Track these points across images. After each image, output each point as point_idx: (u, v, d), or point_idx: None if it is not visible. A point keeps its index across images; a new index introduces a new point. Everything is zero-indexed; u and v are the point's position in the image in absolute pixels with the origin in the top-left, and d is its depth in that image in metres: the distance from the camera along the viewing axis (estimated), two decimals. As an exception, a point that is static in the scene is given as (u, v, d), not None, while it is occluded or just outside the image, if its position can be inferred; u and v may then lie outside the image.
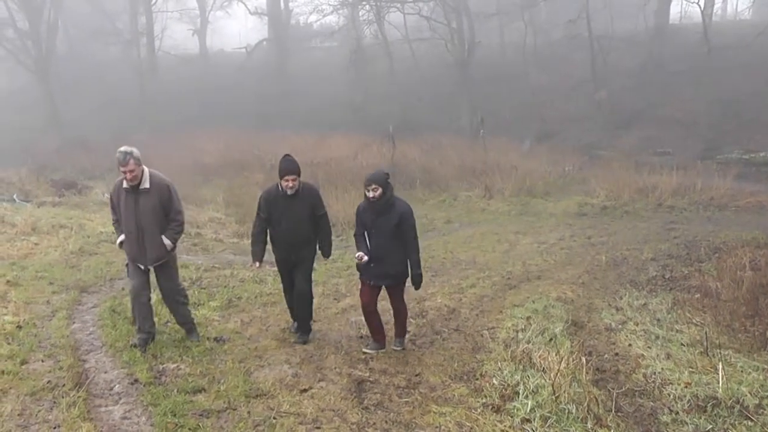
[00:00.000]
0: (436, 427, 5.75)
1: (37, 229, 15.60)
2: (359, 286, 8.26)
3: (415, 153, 25.64)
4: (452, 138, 29.15)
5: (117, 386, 6.69)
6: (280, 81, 42.96)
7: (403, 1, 39.82)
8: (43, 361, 7.39)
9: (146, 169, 7.83)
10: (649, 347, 7.80)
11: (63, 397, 6.30)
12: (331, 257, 9.73)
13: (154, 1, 47.90)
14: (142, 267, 7.99)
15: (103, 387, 6.67)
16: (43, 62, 43.47)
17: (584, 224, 17.07)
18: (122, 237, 8.01)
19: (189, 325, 8.44)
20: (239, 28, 54.20)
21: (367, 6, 41.57)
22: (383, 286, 7.96)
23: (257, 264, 8.59)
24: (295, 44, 48.32)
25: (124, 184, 7.77)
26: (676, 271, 11.51)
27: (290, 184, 8.15)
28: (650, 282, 10.89)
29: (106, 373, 7.04)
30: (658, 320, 8.85)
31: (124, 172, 7.62)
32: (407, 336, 8.20)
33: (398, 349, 7.96)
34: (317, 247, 8.60)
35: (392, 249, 7.73)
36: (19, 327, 8.48)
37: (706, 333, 7.91)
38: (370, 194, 7.66)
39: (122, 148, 7.65)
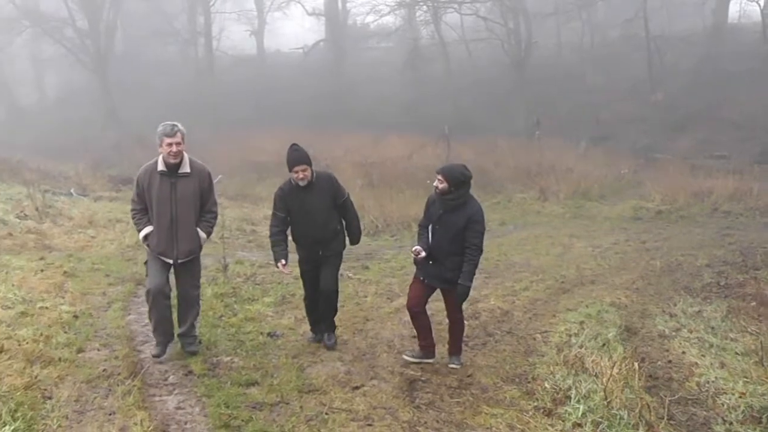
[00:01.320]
0: (487, 428, 5.82)
1: (94, 223, 16.07)
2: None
3: (470, 154, 25.60)
4: (507, 139, 29.05)
5: (171, 377, 6.89)
6: (336, 81, 43.20)
7: (461, 1, 39.73)
8: (98, 350, 7.64)
9: (185, 153, 7.27)
10: (703, 355, 7.72)
11: (118, 386, 6.50)
12: (385, 257, 9.81)
13: (212, 2, 48.44)
14: (171, 261, 7.31)
15: (157, 377, 6.86)
16: (102, 61, 44.47)
17: (639, 228, 16.94)
18: (149, 228, 7.32)
19: (192, 339, 7.64)
20: (296, 29, 54.49)
21: (424, 7, 41.60)
22: (438, 290, 7.43)
23: (282, 263, 7.84)
24: (351, 45, 48.53)
25: (159, 167, 7.16)
26: (732, 278, 11.36)
27: (301, 176, 7.63)
28: (705, 289, 10.77)
29: (161, 363, 7.24)
30: (713, 328, 8.75)
31: (169, 146, 7.04)
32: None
33: (456, 367, 7.26)
34: (345, 238, 8.18)
35: (452, 251, 7.10)
36: (76, 317, 8.76)
37: (761, 342, 7.82)
38: (435, 183, 7.13)
39: (167, 122, 7.20)
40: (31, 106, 51.42)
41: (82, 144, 35.10)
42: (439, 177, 7.12)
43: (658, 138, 28.10)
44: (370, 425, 5.84)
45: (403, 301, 9.73)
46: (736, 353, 7.80)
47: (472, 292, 7.49)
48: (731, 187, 19.77)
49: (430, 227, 7.31)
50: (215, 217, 7.68)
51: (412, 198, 18.09)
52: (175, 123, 7.16)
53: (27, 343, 7.39)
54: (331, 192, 7.93)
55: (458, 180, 7.07)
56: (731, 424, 6.05)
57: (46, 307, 8.92)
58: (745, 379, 6.91)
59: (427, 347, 7.49)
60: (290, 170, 7.71)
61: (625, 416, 5.81)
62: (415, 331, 7.69)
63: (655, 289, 10.78)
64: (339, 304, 9.21)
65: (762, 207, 18.59)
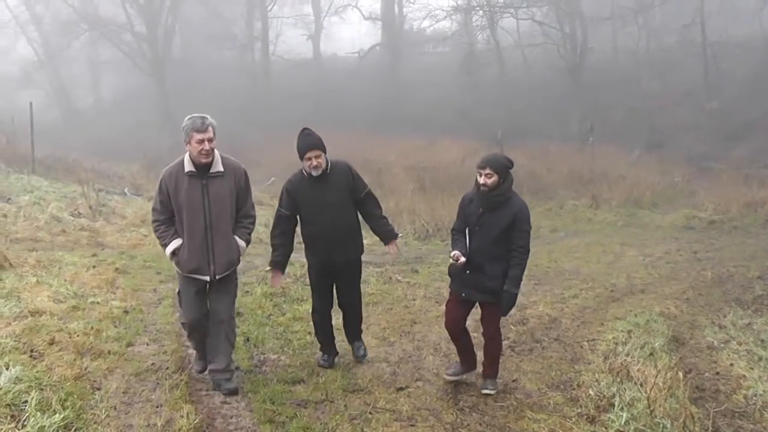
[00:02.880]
0: (531, 433, 5.89)
1: (146, 222, 16.29)
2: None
3: (522, 159, 25.48)
4: (561, 145, 28.94)
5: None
6: (391, 85, 43.35)
7: (517, 6, 39.65)
8: (147, 344, 7.84)
9: (216, 150, 6.36)
10: (751, 368, 7.66)
11: (166, 379, 6.68)
12: (435, 261, 9.78)
13: (270, 6, 48.96)
14: (207, 278, 6.35)
15: (204, 373, 6.96)
16: (159, 65, 45.17)
17: (691, 238, 16.77)
18: (177, 242, 6.32)
19: (229, 374, 6.62)
20: (352, 33, 54.81)
21: (480, 11, 41.56)
22: (476, 303, 6.78)
23: (278, 276, 7.21)
24: (407, 49, 48.64)
25: (187, 167, 6.21)
26: (784, 291, 11.24)
27: (314, 163, 6.77)
28: (756, 301, 10.65)
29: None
30: (762, 341, 8.66)
31: (200, 143, 6.10)
32: (505, 343, 8.21)
33: (491, 392, 6.62)
34: (363, 241, 7.36)
35: (496, 256, 6.41)
36: (126, 312, 8.98)
37: (813, 356, 7.78)
38: (482, 179, 6.35)
39: (195, 114, 6.25)
40: (87, 109, 52.38)
41: (137, 146, 35.66)
42: (487, 171, 6.37)
43: (713, 146, 27.73)
44: (413, 426, 5.95)
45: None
46: (787, 367, 7.73)
47: (519, 298, 7.36)
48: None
49: (467, 230, 6.58)
50: (253, 223, 6.74)
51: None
52: (205, 115, 6.20)
53: (78, 335, 7.57)
54: (349, 183, 7.05)
55: (506, 169, 6.44)
56: (778, 437, 6.03)
57: (98, 302, 9.14)
58: (795, 395, 6.87)
59: (469, 361, 6.95)
60: (301, 157, 6.86)
61: (669, 426, 5.82)
62: (455, 347, 7.09)
63: (705, 300, 10.69)
64: (387, 307, 9.36)
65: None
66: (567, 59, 36.57)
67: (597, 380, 6.86)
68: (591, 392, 6.58)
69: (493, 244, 6.44)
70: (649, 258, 14.27)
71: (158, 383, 6.62)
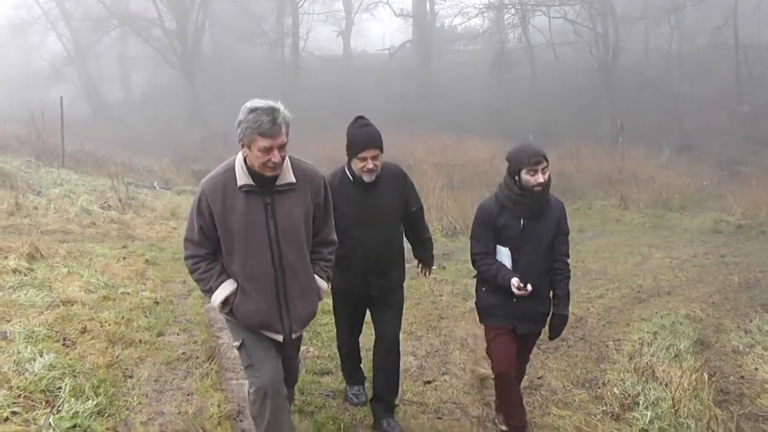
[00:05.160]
0: (555, 428, 5.99)
1: (176, 215, 16.64)
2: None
3: (552, 159, 25.18)
4: (591, 145, 28.88)
5: (247, 363, 7.13)
6: (421, 83, 43.41)
7: (549, 4, 39.62)
8: (178, 334, 7.98)
9: None
10: (777, 373, 7.74)
11: (196, 368, 6.84)
12: (462, 258, 9.60)
13: (300, 3, 49.24)
14: (280, 338, 4.61)
15: (234, 362, 7.10)
16: (189, 61, 45.63)
17: (718, 242, 16.71)
18: (229, 286, 4.50)
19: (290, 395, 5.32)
20: (383, 30, 54.99)
21: (512, 9, 41.58)
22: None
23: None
24: (438, 46, 48.70)
25: (241, 180, 4.38)
26: (809, 298, 11.22)
27: (370, 165, 5.32)
28: (783, 306, 10.67)
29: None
30: (789, 346, 8.74)
31: (268, 152, 4.25)
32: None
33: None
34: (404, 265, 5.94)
35: (544, 272, 5.32)
36: (157, 303, 9.14)
37: (837, 363, 7.81)
38: (539, 177, 5.03)
39: (261, 103, 4.28)
40: (116, 104, 52.87)
41: (166, 140, 36.04)
42: (544, 165, 5.07)
43: (743, 150, 27.58)
44: (439, 418, 6.06)
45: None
46: (811, 372, 7.77)
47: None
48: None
49: (507, 250, 5.23)
50: (334, 253, 4.91)
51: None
52: (275, 106, 4.26)
53: (109, 325, 7.68)
54: (403, 194, 5.68)
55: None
56: (800, 441, 6.09)
57: (128, 293, 9.27)
58: (818, 399, 6.91)
59: (521, 426, 5.61)
60: (354, 155, 5.38)
61: (693, 426, 5.90)
62: (499, 400, 5.81)
63: (731, 304, 10.68)
64: (415, 302, 9.35)
65: None
66: (598, 59, 36.49)
67: (622, 379, 6.93)
68: (616, 391, 6.67)
69: (543, 259, 5.28)
70: (676, 260, 14.26)
71: (189, 372, 6.76)
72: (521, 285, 5.00)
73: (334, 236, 4.86)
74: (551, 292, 5.43)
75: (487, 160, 26.14)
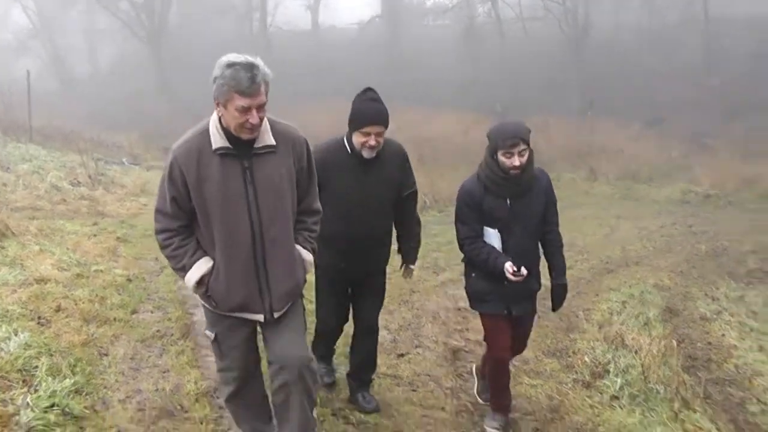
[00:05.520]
0: (528, 397, 6.04)
1: (146, 191, 16.47)
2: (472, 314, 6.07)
3: (524, 132, 25.60)
4: (560, 119, 28.97)
5: (224, 338, 7.12)
6: (391, 57, 43.28)
7: (519, -22, 39.64)
8: (152, 312, 7.88)
9: None
10: (742, 338, 7.86)
11: (171, 346, 6.77)
12: (432, 231, 9.61)
13: (268, -25, 48.75)
14: (260, 317, 4.19)
15: (208, 339, 7.10)
16: (156, 35, 45.04)
17: (686, 212, 16.91)
18: (205, 264, 4.09)
19: None
20: (352, 4, 54.57)
21: (482, -17, 41.51)
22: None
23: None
24: (407, 21, 48.50)
25: (216, 142, 3.93)
26: (776, 265, 11.42)
27: (373, 141, 4.98)
28: (749, 274, 10.83)
29: (213, 326, 7.48)
30: (754, 313, 8.87)
31: (244, 112, 3.80)
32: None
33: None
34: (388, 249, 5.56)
35: (536, 251, 5.15)
36: (129, 280, 9.00)
37: (802, 327, 7.97)
38: (515, 161, 4.75)
39: (239, 58, 3.82)
40: (84, 78, 52.14)
41: (134, 115, 35.69)
42: (522, 147, 4.77)
43: (712, 123, 27.80)
44: (414, 390, 6.09)
45: (448, 275, 9.91)
46: (776, 338, 7.93)
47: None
48: (783, 174, 19.73)
49: (496, 231, 4.97)
50: (318, 222, 4.47)
51: (464, 174, 18.16)
52: (254, 62, 3.82)
53: (83, 303, 7.59)
54: (402, 174, 5.34)
55: (530, 137, 4.87)
56: (765, 404, 6.23)
57: (101, 270, 9.15)
58: (784, 363, 7.06)
59: (509, 406, 5.51)
60: (358, 128, 5.01)
61: (662, 391, 6.01)
62: (491, 383, 5.53)
63: (698, 272, 10.83)
64: (386, 276, 9.37)
65: (813, 195, 18.55)
66: (568, 34, 36.55)
67: (592, 348, 7.02)
68: (586, 359, 6.74)
69: (532, 236, 5.07)
70: (644, 231, 14.41)
71: (164, 349, 6.70)
72: (515, 270, 4.74)
73: (319, 205, 4.43)
74: (549, 264, 5.25)
75: (457, 134, 26.20)
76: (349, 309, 5.66)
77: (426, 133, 26.39)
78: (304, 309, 4.44)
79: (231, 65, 3.77)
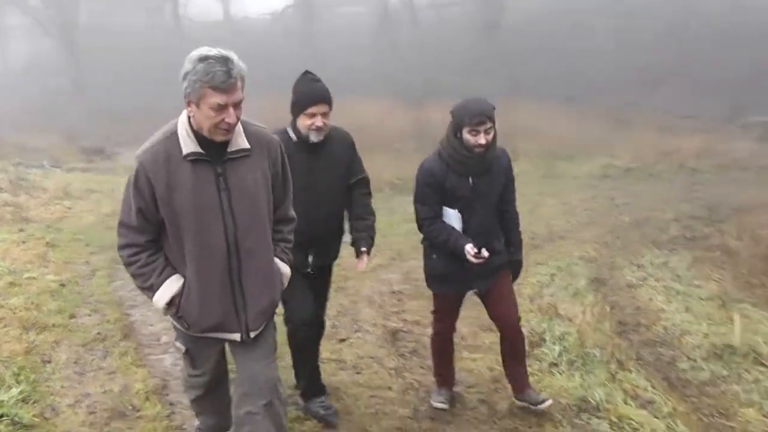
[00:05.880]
0: (469, 370, 6.16)
1: (69, 194, 16.11)
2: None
3: (442, 117, 25.77)
4: (479, 102, 29.28)
5: (164, 337, 7.09)
6: (306, 46, 43.10)
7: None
8: (89, 315, 7.81)
9: None
10: (669, 302, 8.12)
11: (114, 347, 6.76)
12: None
13: (177, -35, 48.00)
14: (237, 337, 3.88)
15: (150, 338, 7.09)
16: (68, 31, 43.88)
17: (608, 186, 17.27)
18: (174, 283, 3.78)
19: None
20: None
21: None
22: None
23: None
24: (320, 10, 48.31)
25: (186, 147, 3.62)
26: (697, 231, 11.74)
27: (319, 122, 4.80)
28: (671, 241, 11.15)
29: (151, 326, 7.45)
30: (679, 277, 9.16)
31: (220, 110, 3.49)
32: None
33: (543, 407, 5.24)
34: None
35: (497, 227, 5.12)
36: (63, 285, 8.90)
37: (724, 287, 8.26)
38: (481, 139, 4.68)
39: (212, 51, 3.55)
40: (-4, 78, 50.69)
41: (51, 116, 34.76)
42: (488, 125, 4.70)
43: (628, 100, 28.47)
44: (359, 373, 6.15)
45: (378, 260, 9.91)
46: (701, 298, 8.20)
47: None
48: (699, 145, 20.34)
49: (456, 211, 4.91)
50: (293, 232, 4.21)
51: (384, 162, 18.26)
52: (229, 55, 3.53)
53: (20, 311, 7.53)
54: (349, 160, 5.18)
55: (495, 115, 4.79)
56: (695, 361, 6.47)
57: (33, 277, 9.04)
58: (709, 321, 7.34)
59: (452, 381, 5.64)
60: (301, 111, 4.82)
61: (598, 355, 6.23)
62: (434, 363, 5.64)
63: (623, 243, 11.10)
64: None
65: (729, 163, 19.14)
66: (483, 18, 36.91)
67: (527, 320, 7.13)
68: (523, 330, 6.88)
69: (494, 214, 5.07)
70: (567, 206, 14.68)
71: (107, 351, 6.67)
72: (476, 252, 4.68)
73: (293, 212, 4.16)
74: (506, 240, 5.24)
75: (378, 122, 26.22)
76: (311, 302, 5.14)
77: (345, 122, 26.31)
78: (275, 328, 4.17)
79: (203, 59, 3.49)
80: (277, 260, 3.98)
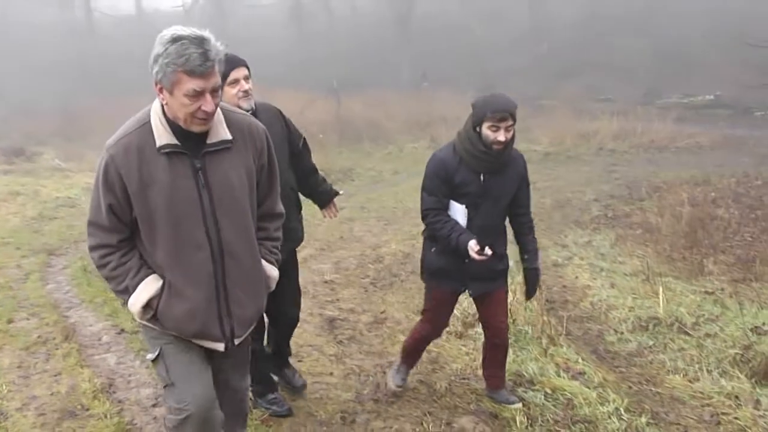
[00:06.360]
0: (405, 353, 6.26)
1: (-12, 195, 15.70)
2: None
3: (360, 108, 25.91)
4: (396, 92, 29.47)
5: (105, 337, 6.99)
6: (220, 39, 42.69)
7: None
8: (28, 319, 7.62)
9: None
10: (594, 278, 8.40)
11: (56, 349, 6.63)
12: None
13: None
14: (221, 345, 3.46)
15: (91, 338, 6.95)
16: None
17: (528, 170, 17.55)
18: (151, 284, 3.33)
19: None
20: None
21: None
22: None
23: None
24: (233, 2, 47.94)
25: (161, 139, 3.19)
26: (619, 210, 12.16)
27: (245, 86, 4.46)
28: (594, 221, 11.51)
29: (91, 326, 7.32)
30: (602, 255, 9.48)
31: (196, 97, 3.06)
32: (366, 281, 8.62)
33: (514, 407, 5.11)
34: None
35: (502, 230, 4.87)
36: (-4, 290, 8.67)
37: (647, 263, 8.53)
38: (501, 135, 4.47)
39: (185, 31, 3.05)
40: None
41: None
42: (510, 122, 4.53)
43: (544, 86, 29.03)
44: (300, 361, 6.13)
45: (309, 251, 9.93)
46: (625, 274, 8.51)
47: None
48: (616, 127, 21.07)
49: (463, 207, 4.69)
50: (280, 229, 3.79)
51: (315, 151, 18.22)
52: (205, 35, 3.07)
53: (-44, 320, 7.39)
54: (285, 131, 4.89)
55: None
56: (622, 333, 6.75)
57: (-36, 285, 8.86)
58: (634, 296, 7.63)
59: (415, 361, 5.49)
60: (222, 80, 3.77)
61: (530, 331, 6.41)
62: (406, 349, 5.42)
63: (546, 224, 11.31)
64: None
65: (645, 144, 19.87)
66: (396, 8, 37.10)
67: (459, 302, 7.28)
68: (456, 312, 6.97)
69: (501, 216, 4.85)
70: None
71: (50, 354, 6.56)
72: (480, 250, 4.40)
73: (281, 207, 3.74)
74: (520, 248, 4.99)
75: (295, 113, 26.16)
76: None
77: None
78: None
79: (176, 39, 3.00)
80: (263, 262, 3.58)
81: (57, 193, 15.45)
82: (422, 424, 4.96)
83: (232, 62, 4.33)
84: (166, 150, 3.17)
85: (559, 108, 24.38)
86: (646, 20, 30.66)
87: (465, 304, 7.09)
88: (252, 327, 3.60)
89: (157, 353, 3.48)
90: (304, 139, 5.05)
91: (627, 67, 28.53)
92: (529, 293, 5.08)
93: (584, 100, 26.15)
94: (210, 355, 3.57)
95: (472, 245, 4.40)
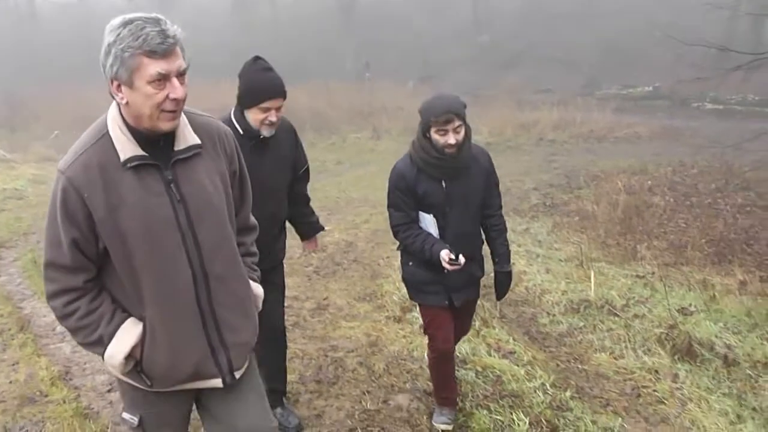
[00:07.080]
0: (348, 337, 6.45)
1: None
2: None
3: (303, 98, 25.89)
4: (339, 82, 29.51)
5: (59, 327, 6.99)
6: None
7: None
8: (-20, 312, 7.66)
9: None
10: (530, 264, 8.68)
11: (12, 340, 6.75)
12: None
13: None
14: (219, 382, 2.96)
15: (46, 329, 7.05)
16: None
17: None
18: (135, 330, 2.79)
19: None
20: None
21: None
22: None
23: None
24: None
25: (124, 152, 2.67)
26: (557, 198, 12.51)
27: (274, 118, 4.24)
28: (532, 209, 11.83)
29: (45, 317, 7.37)
30: (539, 241, 9.79)
31: (160, 84, 2.58)
32: (310, 269, 8.80)
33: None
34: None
35: (478, 233, 4.69)
36: (-55, 286, 8.64)
37: (581, 249, 8.84)
38: (450, 138, 4.24)
39: (133, 14, 2.57)
40: None
41: None
42: (457, 123, 4.24)
43: (486, 77, 29.35)
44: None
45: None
46: (560, 260, 8.82)
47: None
48: (556, 117, 21.47)
49: (431, 216, 4.45)
50: (254, 242, 3.34)
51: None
52: (159, 16, 2.60)
53: None
54: (294, 153, 4.71)
55: (465, 112, 4.33)
56: (554, 315, 7.06)
57: None
58: (567, 280, 7.94)
59: (455, 398, 5.02)
60: (254, 104, 4.24)
61: (465, 315, 6.64)
62: (434, 383, 5.04)
63: (485, 213, 11.58)
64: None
65: (584, 134, 20.31)
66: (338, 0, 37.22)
67: (398, 288, 7.48)
68: (394, 298, 7.27)
69: (475, 220, 4.62)
70: (431, 180, 15.08)
71: (5, 345, 6.66)
72: (452, 259, 4.20)
73: (254, 219, 3.32)
74: (492, 251, 4.76)
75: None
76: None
77: (208, 104, 26.12)
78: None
79: (127, 23, 2.54)
80: (251, 282, 3.14)
81: (3, 185, 15.25)
82: (361, 402, 5.21)
83: (274, 91, 4.24)
84: (133, 163, 2.68)
85: (500, 98, 24.68)
86: (587, 13, 31.17)
87: (402, 291, 7.31)
88: (248, 354, 3.09)
89: (138, 420, 3.03)
90: (308, 166, 4.86)
91: (568, 59, 29.01)
92: (500, 296, 4.89)
93: (525, 91, 26.55)
94: (208, 402, 3.10)
95: (444, 255, 4.22)
